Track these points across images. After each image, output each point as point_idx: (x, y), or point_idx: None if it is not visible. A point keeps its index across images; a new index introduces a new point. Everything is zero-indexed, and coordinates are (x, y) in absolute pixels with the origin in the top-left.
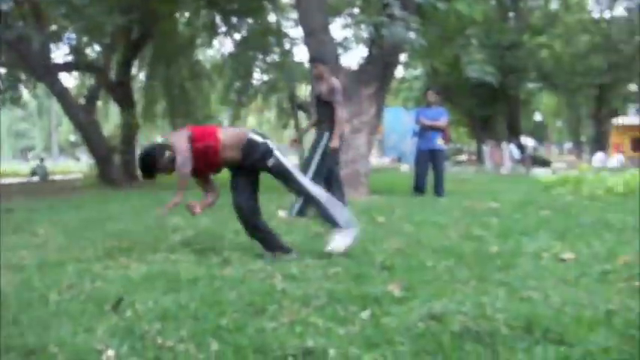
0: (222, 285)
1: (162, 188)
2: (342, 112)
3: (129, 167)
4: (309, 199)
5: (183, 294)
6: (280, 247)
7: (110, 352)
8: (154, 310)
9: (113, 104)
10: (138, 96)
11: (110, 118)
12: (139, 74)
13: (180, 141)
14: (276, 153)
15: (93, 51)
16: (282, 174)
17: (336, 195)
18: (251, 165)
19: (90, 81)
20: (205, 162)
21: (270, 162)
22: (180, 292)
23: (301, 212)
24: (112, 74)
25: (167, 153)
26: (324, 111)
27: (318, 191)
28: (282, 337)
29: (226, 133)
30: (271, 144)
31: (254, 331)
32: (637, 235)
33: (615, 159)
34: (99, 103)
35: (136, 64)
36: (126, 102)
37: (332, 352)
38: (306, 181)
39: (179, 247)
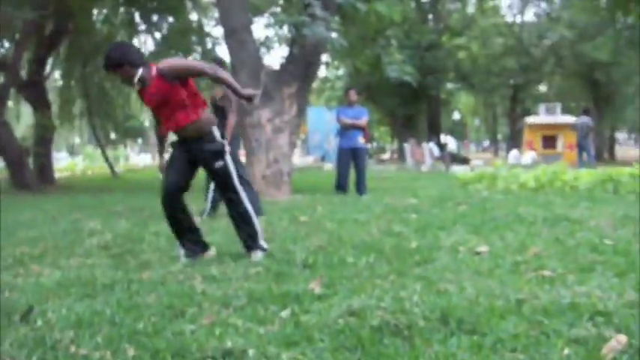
0: (139, 289)
1: (79, 192)
2: (232, 118)
3: (44, 171)
4: (241, 209)
5: (99, 299)
6: (201, 243)
7: None
8: (67, 318)
9: (25, 104)
10: (53, 95)
11: (22, 119)
12: (54, 73)
13: (193, 62)
14: (227, 158)
15: (1, 47)
16: (224, 180)
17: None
18: (201, 156)
19: None
20: (175, 112)
21: (219, 164)
22: (95, 298)
23: (213, 209)
24: (24, 72)
25: (142, 69)
26: (217, 116)
27: (250, 206)
28: (201, 339)
29: (206, 111)
30: (227, 147)
31: (172, 334)
32: (546, 227)
33: (528, 156)
34: (9, 102)
35: (50, 62)
36: (40, 102)
37: (251, 352)
38: (243, 193)
39: (96, 251)
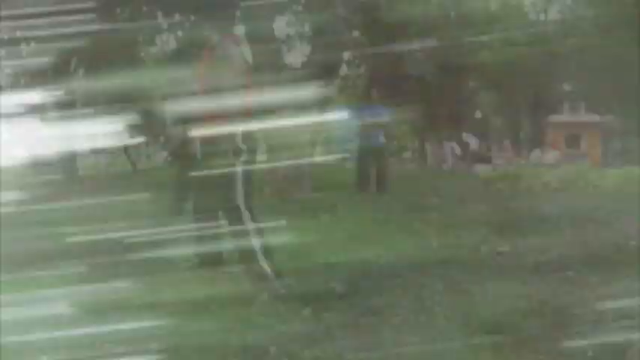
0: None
1: None
2: None
3: None
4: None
5: None
6: None
7: None
8: None
9: None
10: None
11: None
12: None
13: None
14: None
15: None
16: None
17: None
18: None
19: None
20: None
21: None
22: None
23: None
24: None
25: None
26: None
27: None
28: (223, 336)
29: None
30: None
31: (195, 330)
32: (570, 227)
33: (552, 155)
34: None
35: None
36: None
37: (272, 349)
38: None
39: None
